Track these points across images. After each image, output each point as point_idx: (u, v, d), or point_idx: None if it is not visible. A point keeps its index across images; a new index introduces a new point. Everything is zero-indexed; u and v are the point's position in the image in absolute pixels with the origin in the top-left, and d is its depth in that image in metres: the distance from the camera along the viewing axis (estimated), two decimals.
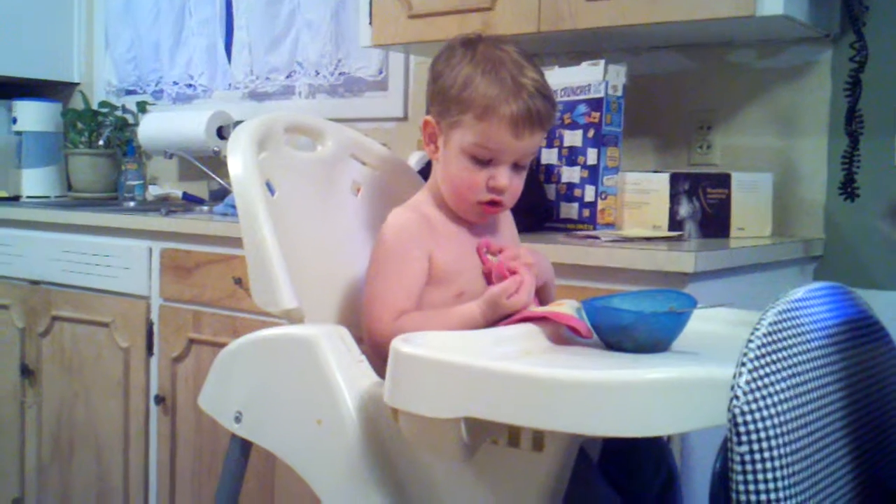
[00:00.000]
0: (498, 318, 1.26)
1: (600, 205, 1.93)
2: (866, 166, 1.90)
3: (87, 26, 3.51)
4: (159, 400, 2.34)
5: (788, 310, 0.83)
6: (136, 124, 3.19)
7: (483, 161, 1.30)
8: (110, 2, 3.43)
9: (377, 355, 1.27)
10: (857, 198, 1.89)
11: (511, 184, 1.31)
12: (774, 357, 0.79)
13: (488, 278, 1.32)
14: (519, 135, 1.27)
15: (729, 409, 0.77)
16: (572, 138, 1.96)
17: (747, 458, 0.76)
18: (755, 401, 0.76)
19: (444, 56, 1.35)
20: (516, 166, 1.32)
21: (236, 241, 2.11)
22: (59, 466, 2.60)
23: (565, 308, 1.22)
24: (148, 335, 2.37)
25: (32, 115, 3.29)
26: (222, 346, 1.43)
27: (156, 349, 2.37)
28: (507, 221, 1.46)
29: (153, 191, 3.19)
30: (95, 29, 3.49)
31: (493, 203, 1.33)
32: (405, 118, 2.69)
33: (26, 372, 2.66)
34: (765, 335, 0.79)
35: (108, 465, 2.48)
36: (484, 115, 1.27)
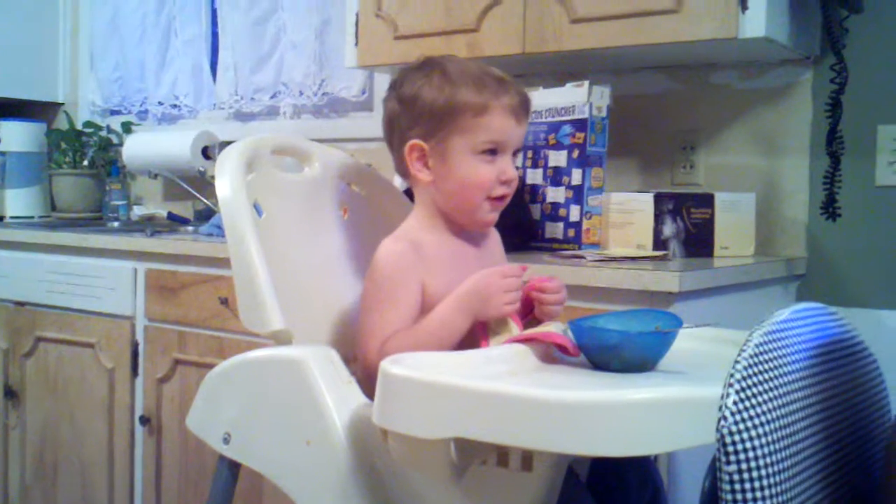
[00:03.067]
0: (480, 306, 1.26)
1: (585, 224, 1.94)
2: (847, 186, 1.93)
3: (72, 46, 3.51)
4: (144, 421, 2.33)
5: (774, 331, 0.85)
6: (121, 144, 3.18)
7: (493, 154, 1.33)
8: (95, 22, 3.43)
9: (373, 385, 1.26)
10: (839, 217, 1.91)
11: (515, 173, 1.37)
12: (761, 378, 0.80)
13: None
14: (519, 120, 1.34)
15: (717, 430, 0.78)
16: (557, 159, 1.98)
17: (736, 477, 0.77)
18: (743, 421, 0.77)
19: (408, 80, 1.36)
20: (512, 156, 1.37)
21: (222, 262, 2.12)
22: (43, 488, 2.58)
23: (551, 328, 1.23)
24: (133, 356, 2.37)
25: (16, 136, 3.27)
26: (208, 366, 1.43)
27: (141, 370, 2.36)
28: (497, 244, 1.47)
29: (138, 211, 3.18)
30: (80, 49, 3.50)
31: (502, 198, 1.36)
32: None
33: (10, 393, 2.64)
34: (751, 356, 0.80)
35: (93, 486, 2.46)
36: (483, 110, 1.31)
